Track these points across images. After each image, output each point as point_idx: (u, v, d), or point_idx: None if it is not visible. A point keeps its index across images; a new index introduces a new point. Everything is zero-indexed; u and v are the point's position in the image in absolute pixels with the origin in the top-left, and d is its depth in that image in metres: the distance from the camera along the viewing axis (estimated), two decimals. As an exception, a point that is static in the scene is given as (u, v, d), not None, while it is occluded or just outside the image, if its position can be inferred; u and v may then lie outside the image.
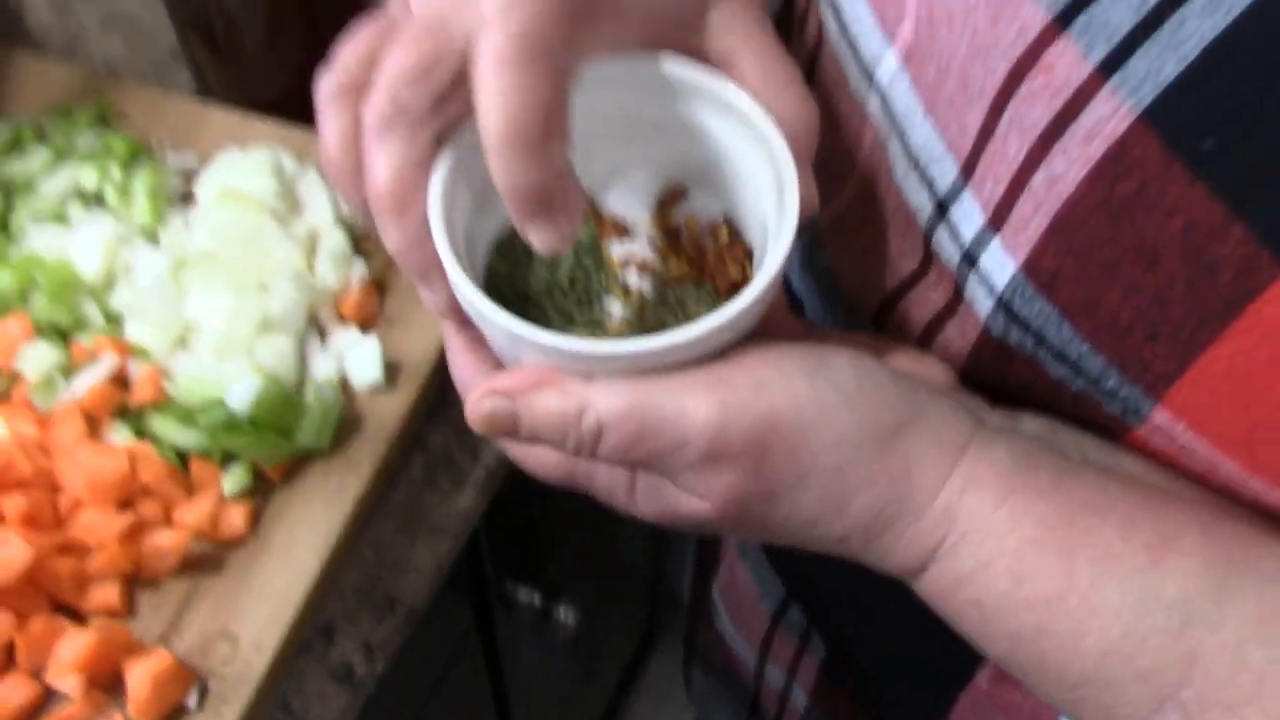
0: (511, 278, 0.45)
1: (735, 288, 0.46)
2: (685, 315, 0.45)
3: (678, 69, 0.43)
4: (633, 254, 0.46)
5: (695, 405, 0.38)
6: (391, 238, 0.40)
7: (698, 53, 0.43)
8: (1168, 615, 0.38)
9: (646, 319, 0.45)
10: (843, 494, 0.40)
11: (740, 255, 0.46)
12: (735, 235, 0.46)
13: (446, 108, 0.39)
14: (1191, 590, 0.38)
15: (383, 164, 0.39)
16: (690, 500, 0.41)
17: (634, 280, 0.45)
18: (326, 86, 0.41)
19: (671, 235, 0.47)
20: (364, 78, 0.40)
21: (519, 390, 0.40)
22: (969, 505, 0.40)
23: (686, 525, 0.43)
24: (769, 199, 0.43)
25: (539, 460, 0.45)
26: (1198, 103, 0.34)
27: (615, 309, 0.45)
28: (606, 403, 0.39)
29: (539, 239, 0.38)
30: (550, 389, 0.39)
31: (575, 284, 0.45)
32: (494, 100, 0.35)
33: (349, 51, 0.41)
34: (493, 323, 0.39)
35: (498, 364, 0.44)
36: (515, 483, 0.79)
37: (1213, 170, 0.34)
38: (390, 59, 0.39)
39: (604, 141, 0.45)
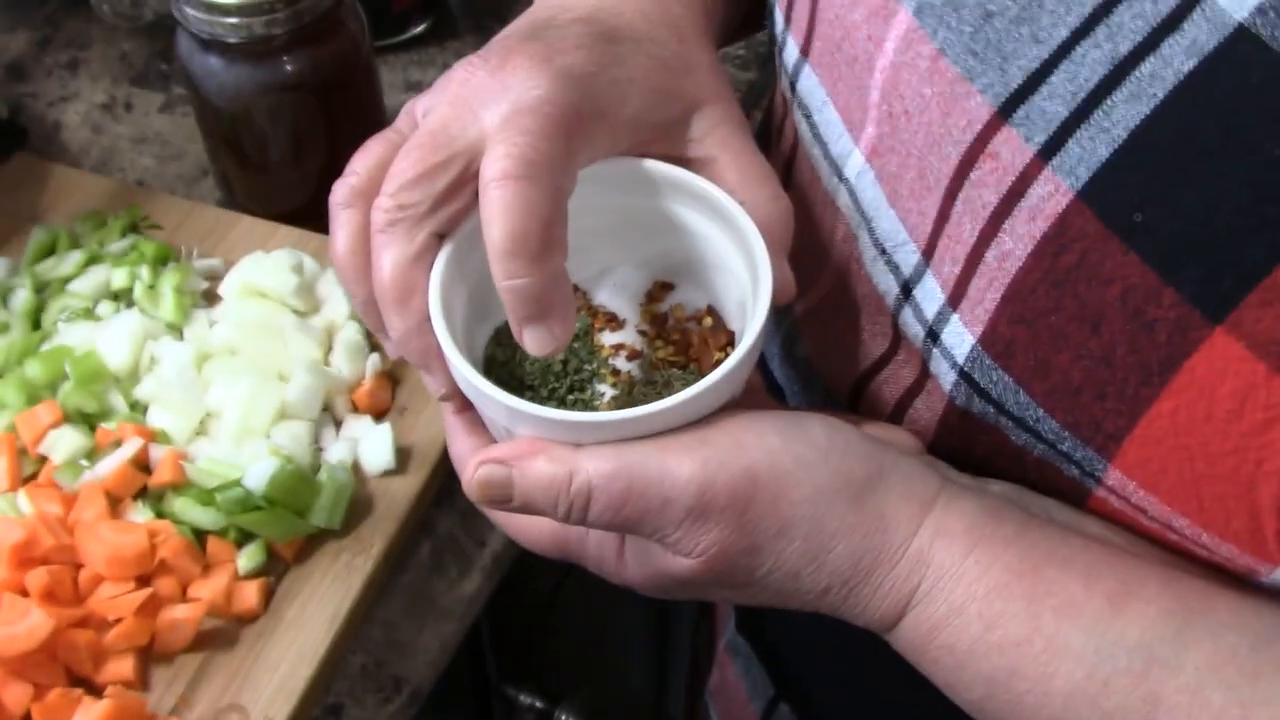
0: (508, 364, 0.48)
1: (718, 366, 0.49)
2: (671, 394, 0.48)
3: (661, 170, 0.47)
4: (622, 342, 0.49)
5: (679, 464, 0.41)
6: (394, 326, 0.44)
7: (681, 156, 0.47)
8: (1130, 658, 0.40)
9: (635, 400, 0.48)
10: (822, 544, 0.42)
11: (723, 341, 0.49)
12: (718, 322, 0.50)
13: (446, 208, 0.43)
14: (1151, 636, 0.40)
15: (387, 259, 0.43)
16: (677, 560, 0.43)
17: (623, 365, 0.49)
18: (338, 193, 0.45)
19: (659, 323, 0.50)
20: (373, 185, 0.44)
21: (512, 458, 0.42)
22: (940, 553, 0.42)
23: (675, 586, 0.45)
24: (747, 286, 0.46)
25: (532, 532, 0.48)
26: (1127, 181, 0.37)
27: (605, 391, 0.48)
28: (594, 465, 0.41)
29: (533, 340, 0.42)
30: (542, 457, 0.42)
31: (568, 370, 0.48)
32: (498, 214, 0.40)
33: (359, 160, 0.45)
34: (488, 398, 0.42)
35: (494, 444, 0.47)
36: (520, 583, 0.81)
37: (1144, 241, 0.37)
38: (395, 166, 0.43)
39: (596, 239, 0.49)
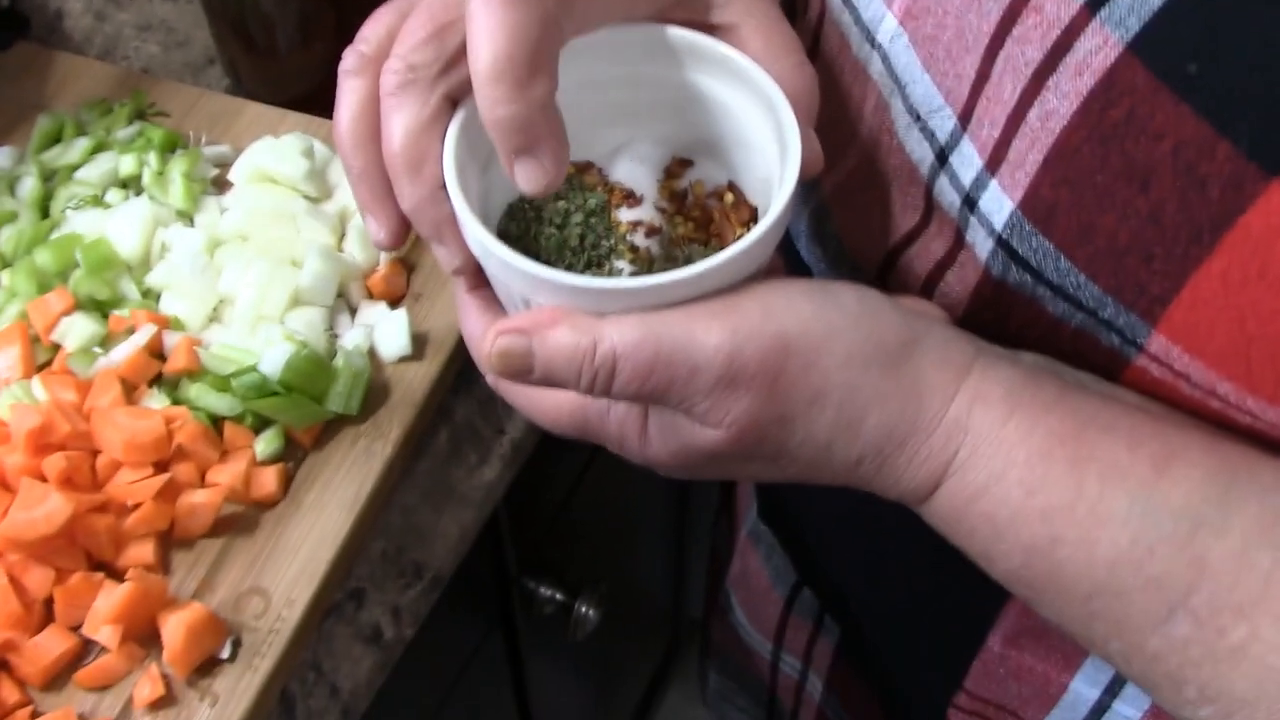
0: (522, 240, 0.46)
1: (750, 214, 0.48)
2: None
3: (683, 37, 0.45)
4: (640, 218, 0.48)
5: (707, 331, 0.40)
6: (406, 196, 0.42)
7: (702, 23, 0.45)
8: (1175, 523, 0.39)
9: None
10: (856, 412, 0.41)
11: (746, 216, 0.48)
12: (740, 198, 0.48)
13: (459, 69, 0.41)
14: (1197, 499, 0.39)
15: (398, 123, 0.41)
16: (705, 432, 0.42)
17: (641, 242, 0.47)
18: (347, 60, 0.43)
19: (678, 200, 0.48)
20: (382, 53, 0.42)
21: (533, 328, 0.41)
22: (978, 419, 0.41)
23: (702, 461, 0.44)
24: (773, 159, 0.45)
25: (549, 409, 0.46)
26: (1180, 31, 0.36)
27: (623, 267, 0.46)
28: (620, 334, 0.40)
29: (524, 176, 0.40)
30: (564, 325, 0.40)
31: (585, 245, 0.47)
32: (481, 37, 0.37)
33: (369, 28, 0.44)
34: (508, 265, 0.41)
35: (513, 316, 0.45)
36: (538, 476, 0.81)
37: (1197, 92, 0.36)
38: (406, 27, 0.41)
39: (612, 113, 0.48)
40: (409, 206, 0.43)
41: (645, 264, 0.47)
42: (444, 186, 0.42)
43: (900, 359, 0.41)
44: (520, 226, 0.47)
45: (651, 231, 0.47)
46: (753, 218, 0.48)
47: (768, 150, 0.45)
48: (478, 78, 0.38)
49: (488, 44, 0.37)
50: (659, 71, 0.46)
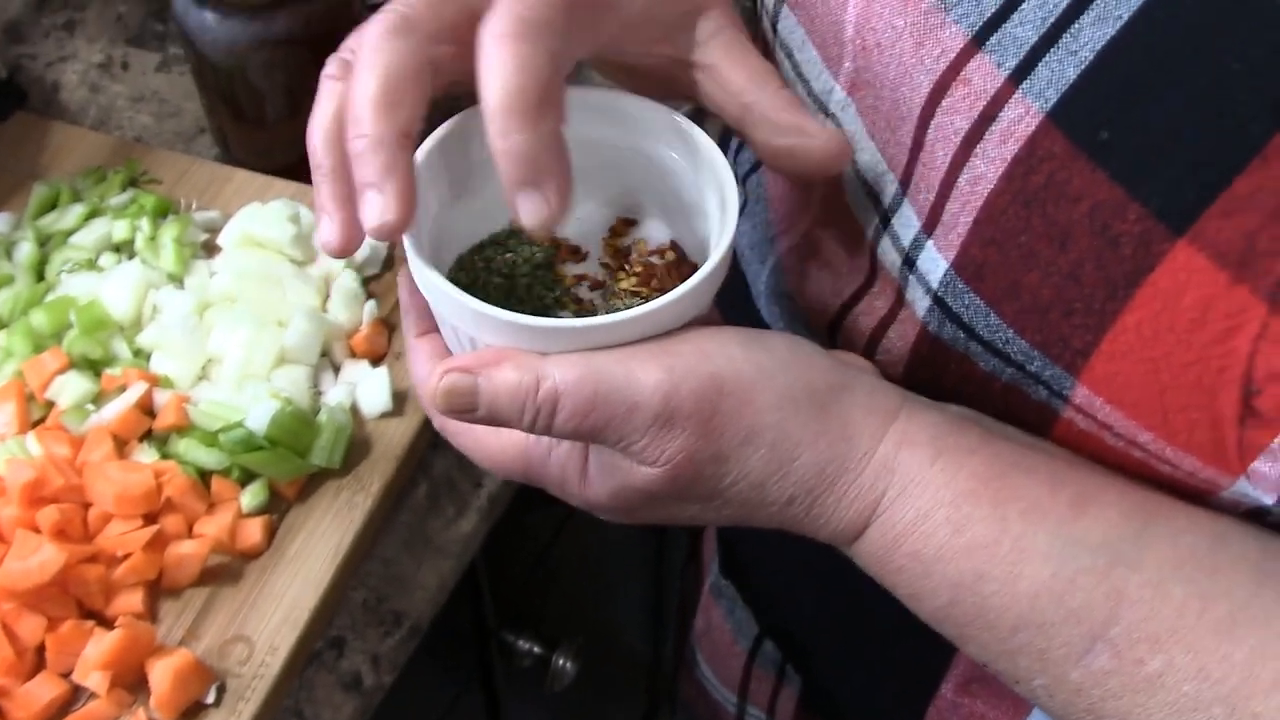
0: (470, 289, 0.47)
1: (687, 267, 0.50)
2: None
3: (633, 103, 0.48)
4: (585, 273, 0.50)
5: (645, 370, 0.41)
6: (368, 132, 0.40)
7: (686, 59, 0.48)
8: (1093, 557, 0.41)
9: None
10: (787, 451, 0.43)
11: (687, 273, 0.50)
12: (681, 256, 0.51)
13: (448, 44, 0.41)
14: (1114, 535, 0.41)
15: (382, 63, 0.40)
16: (642, 470, 0.43)
17: (585, 294, 0.49)
18: (330, 67, 0.44)
19: (621, 256, 0.51)
20: None
21: (478, 365, 0.42)
22: (905, 460, 0.43)
23: (640, 501, 0.45)
24: (714, 220, 0.47)
25: (494, 450, 0.47)
26: (1094, 102, 0.39)
27: (567, 317, 0.48)
28: (561, 372, 0.41)
29: (526, 208, 0.40)
30: (508, 363, 0.42)
31: (531, 295, 0.49)
32: (496, 70, 0.39)
33: (352, 38, 0.44)
34: (458, 303, 0.42)
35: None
36: (517, 530, 0.83)
37: (1110, 158, 0.38)
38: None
39: None
40: (367, 143, 0.40)
41: (589, 315, 0.49)
42: (408, 135, 0.40)
43: (830, 401, 0.43)
44: (469, 276, 0.49)
45: (595, 285, 0.50)
46: (693, 274, 0.51)
47: (710, 211, 0.48)
48: (489, 110, 0.39)
49: (500, 77, 0.39)
50: (608, 135, 0.49)
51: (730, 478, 0.43)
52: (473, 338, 0.44)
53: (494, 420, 0.43)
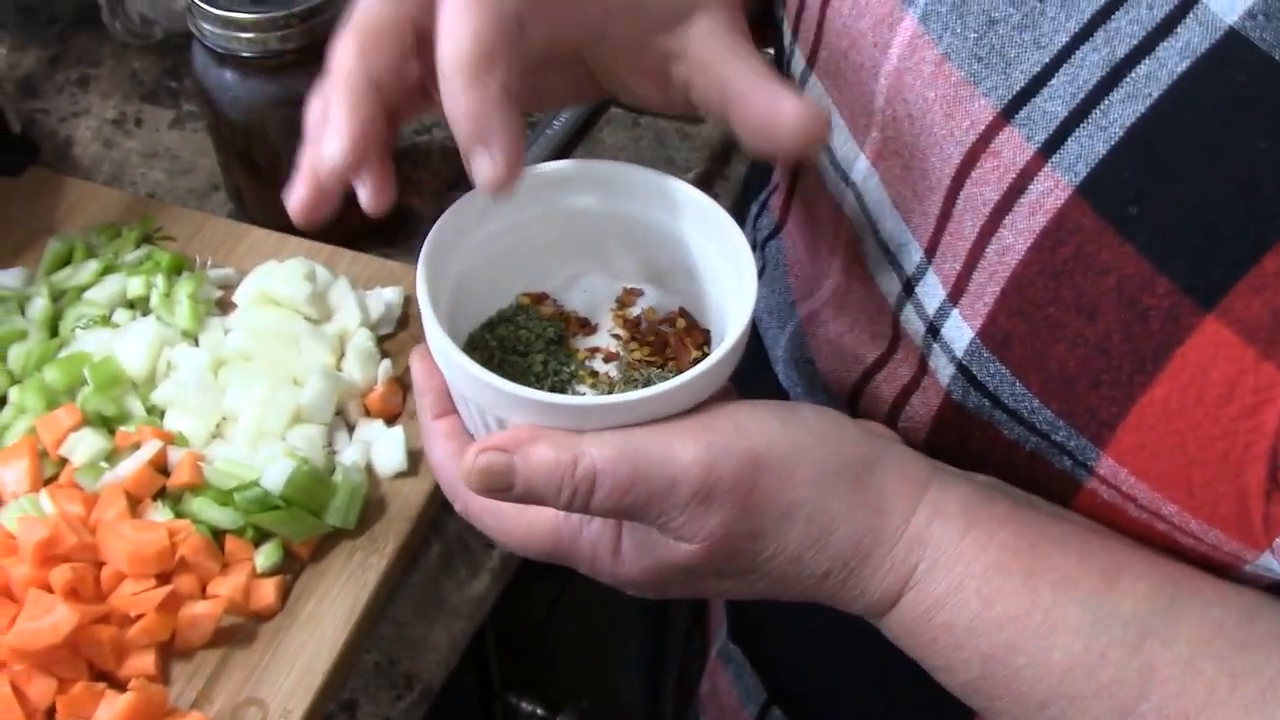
0: (485, 367, 0.49)
1: (697, 364, 0.51)
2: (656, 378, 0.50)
3: (638, 173, 0.49)
4: (597, 344, 0.50)
5: (683, 447, 0.42)
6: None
7: (681, 52, 0.47)
8: (1124, 630, 0.41)
9: None
10: (824, 525, 0.43)
11: (699, 339, 0.50)
12: (691, 322, 0.51)
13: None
14: (1144, 609, 0.41)
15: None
16: (679, 546, 0.43)
17: (600, 367, 0.49)
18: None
19: (632, 326, 0.51)
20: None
21: (514, 444, 0.42)
22: (937, 532, 0.43)
23: (676, 577, 0.45)
24: (726, 286, 0.48)
25: (521, 531, 0.47)
26: (1123, 176, 0.39)
27: (585, 392, 0.48)
28: (600, 450, 0.41)
29: (479, 170, 0.40)
30: (544, 441, 0.42)
31: (548, 371, 0.49)
32: (444, 36, 0.40)
33: None
34: (486, 384, 0.42)
35: (490, 435, 0.46)
36: (521, 592, 0.82)
37: (1138, 232, 0.39)
38: None
39: (565, 245, 0.51)
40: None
41: (606, 388, 0.49)
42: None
43: (864, 474, 0.43)
44: (484, 355, 0.49)
45: (609, 358, 0.50)
46: (706, 340, 0.51)
47: (721, 278, 0.48)
48: (440, 73, 0.40)
49: (448, 41, 0.40)
50: (612, 205, 0.50)
51: (767, 552, 0.43)
52: (499, 418, 0.44)
53: (529, 499, 0.42)
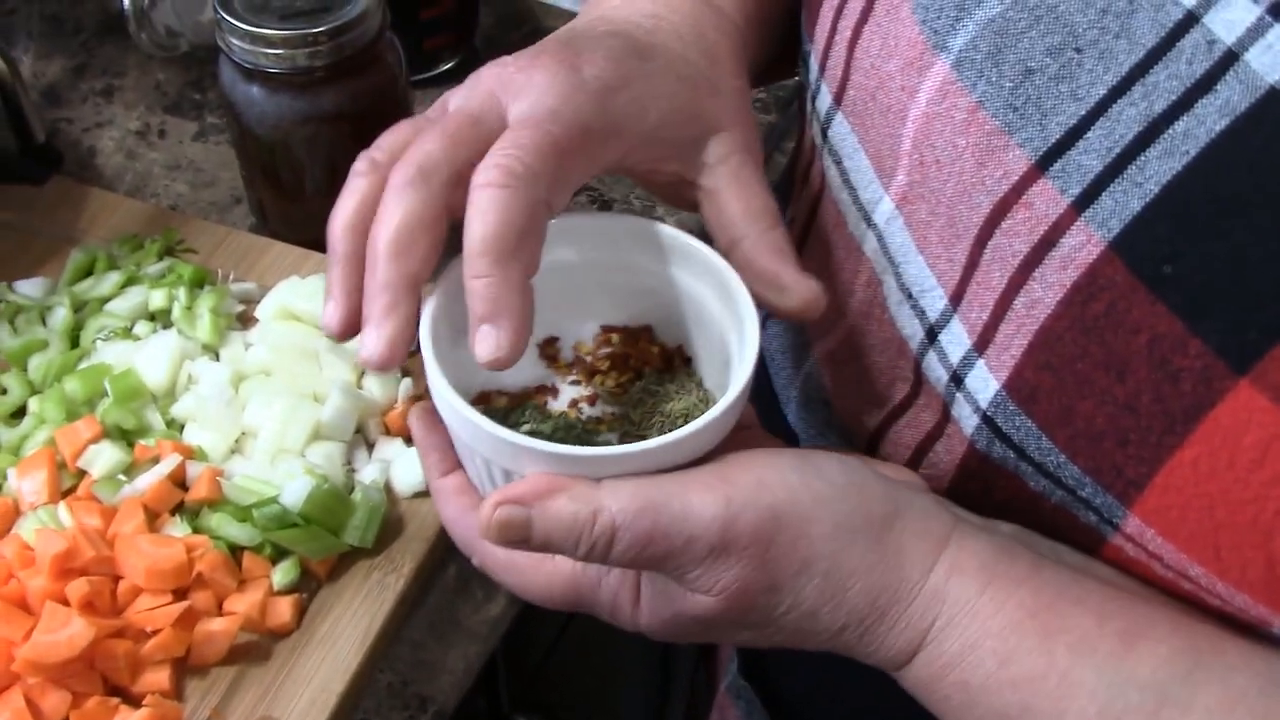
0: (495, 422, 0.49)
1: (668, 363, 0.52)
2: (658, 407, 0.50)
3: (630, 223, 0.50)
4: (579, 395, 0.51)
5: (702, 501, 0.42)
6: (380, 275, 0.43)
7: (692, 180, 0.48)
8: (1141, 696, 0.41)
9: (628, 436, 0.49)
10: (840, 582, 0.43)
11: (648, 337, 0.51)
12: (620, 331, 0.52)
13: (463, 186, 0.43)
14: (1163, 674, 0.41)
15: (396, 211, 0.43)
16: (697, 599, 0.43)
17: (590, 411, 0.50)
18: (358, 164, 0.46)
19: (580, 366, 0.52)
20: (394, 160, 0.45)
21: (532, 496, 0.42)
22: (955, 590, 0.43)
23: (693, 627, 0.45)
24: (727, 332, 0.49)
25: (540, 584, 0.48)
26: (1158, 234, 0.38)
27: (607, 438, 0.49)
28: (619, 503, 0.41)
29: (482, 344, 0.41)
30: (563, 494, 0.42)
31: (558, 425, 0.49)
32: (476, 216, 0.41)
33: (385, 138, 0.46)
34: (493, 436, 0.42)
35: (509, 485, 0.46)
36: (531, 615, 0.82)
37: (1172, 291, 0.38)
38: (421, 138, 0.44)
39: (565, 299, 0.51)
40: (379, 284, 0.43)
41: (608, 428, 0.49)
42: (415, 280, 0.43)
43: (883, 530, 0.43)
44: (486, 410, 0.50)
45: (591, 400, 0.51)
46: (651, 336, 0.52)
47: (720, 322, 0.49)
48: (467, 250, 0.41)
49: (480, 222, 0.41)
50: (603, 257, 0.51)
51: (783, 607, 0.43)
52: (507, 470, 0.44)
53: (548, 549, 0.43)
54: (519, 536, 0.42)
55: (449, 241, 0.45)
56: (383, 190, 0.44)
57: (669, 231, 0.49)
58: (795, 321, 0.48)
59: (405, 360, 0.44)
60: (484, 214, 0.41)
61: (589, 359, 0.52)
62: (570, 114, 0.44)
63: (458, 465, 0.49)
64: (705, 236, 0.50)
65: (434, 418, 0.48)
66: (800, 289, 0.47)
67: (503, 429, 0.43)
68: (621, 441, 0.49)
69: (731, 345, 0.48)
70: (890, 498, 0.44)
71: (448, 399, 0.44)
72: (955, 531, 0.44)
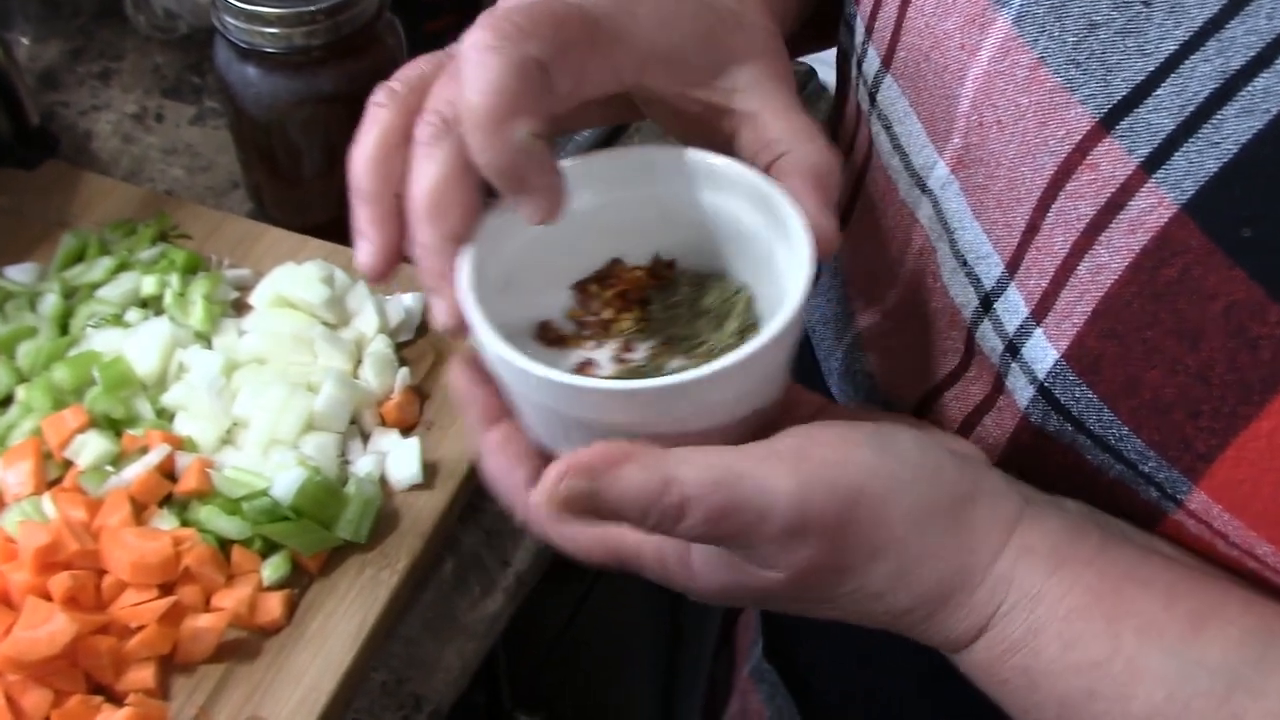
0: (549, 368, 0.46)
1: (656, 275, 0.49)
2: (703, 311, 0.48)
3: (656, 153, 0.46)
4: (614, 350, 0.48)
5: (778, 479, 0.40)
6: (421, 240, 0.42)
7: (724, 105, 0.46)
8: (1211, 681, 0.39)
9: (650, 369, 0.46)
10: (911, 566, 0.41)
11: (645, 266, 0.49)
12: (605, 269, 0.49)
13: None
14: (1234, 658, 0.39)
15: (427, 172, 0.42)
16: (762, 573, 0.42)
17: (636, 355, 0.47)
18: (378, 95, 0.44)
19: (588, 302, 0.49)
20: (413, 95, 0.43)
21: (600, 465, 0.40)
22: (1022, 574, 0.41)
23: (750, 597, 0.44)
24: (783, 261, 0.45)
25: (585, 543, 0.46)
26: (1235, 196, 0.36)
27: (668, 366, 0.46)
28: (692, 475, 0.39)
29: (525, 212, 0.41)
30: (633, 463, 0.39)
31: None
32: (465, 85, 0.40)
33: (405, 70, 0.45)
34: (536, 377, 0.40)
35: (530, 457, 0.45)
36: (534, 611, 0.80)
37: (1251, 256, 0.36)
38: (439, 83, 0.42)
39: (610, 234, 0.48)
40: (421, 250, 0.43)
41: (664, 353, 0.47)
42: (457, 240, 0.42)
43: (958, 513, 0.42)
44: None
45: (628, 347, 0.47)
46: (647, 268, 0.49)
47: (776, 256, 0.46)
48: (463, 126, 0.40)
49: (468, 93, 0.39)
50: (655, 191, 0.47)
51: (849, 587, 0.42)
52: (575, 419, 0.42)
53: (613, 519, 0.41)
54: (585, 509, 0.40)
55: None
56: (403, 121, 0.43)
57: (693, 154, 0.46)
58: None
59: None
60: (471, 83, 0.39)
61: (592, 319, 0.49)
62: (575, 3, 0.42)
63: (505, 415, 0.46)
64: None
65: (477, 370, 0.46)
66: (822, 226, 0.44)
67: (549, 369, 0.40)
68: (686, 364, 0.46)
69: (779, 255, 0.46)
70: (966, 478, 0.43)
71: (499, 348, 0.41)
72: (1025, 512, 0.43)
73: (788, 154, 0.45)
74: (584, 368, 0.47)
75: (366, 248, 0.44)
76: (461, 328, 0.43)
